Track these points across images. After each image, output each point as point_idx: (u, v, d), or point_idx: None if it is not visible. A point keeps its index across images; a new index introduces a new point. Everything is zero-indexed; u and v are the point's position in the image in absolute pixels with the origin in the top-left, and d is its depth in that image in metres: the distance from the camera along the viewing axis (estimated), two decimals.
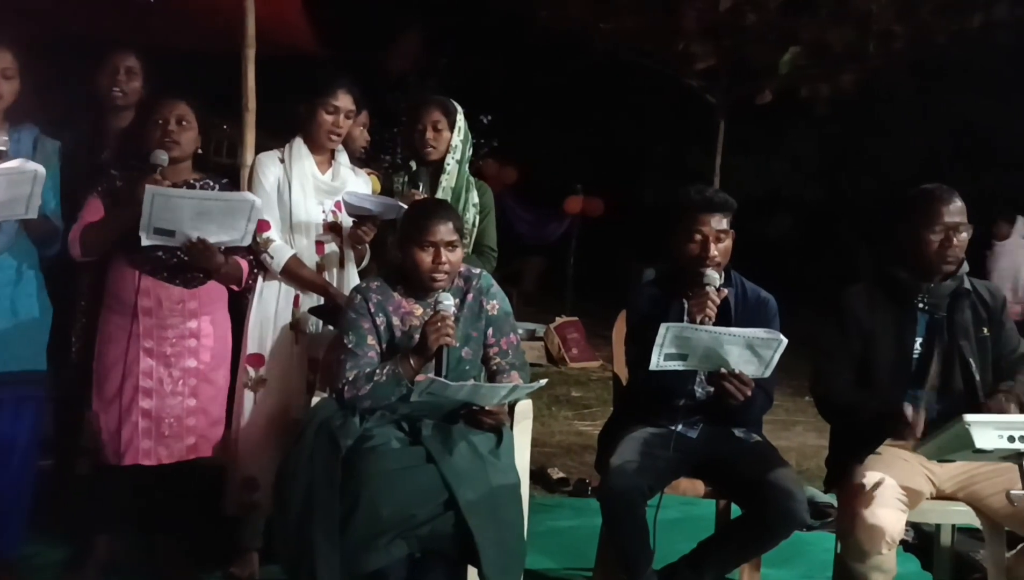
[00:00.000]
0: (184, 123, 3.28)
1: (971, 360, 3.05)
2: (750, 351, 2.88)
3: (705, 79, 9.84)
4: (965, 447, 2.43)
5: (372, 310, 3.07)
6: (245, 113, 4.36)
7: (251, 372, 3.49)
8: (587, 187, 12.24)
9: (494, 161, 11.37)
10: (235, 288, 3.44)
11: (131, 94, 3.75)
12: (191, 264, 3.25)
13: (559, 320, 8.94)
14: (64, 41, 5.30)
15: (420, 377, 2.94)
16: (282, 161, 3.55)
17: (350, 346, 3.03)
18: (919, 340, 3.10)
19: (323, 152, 3.61)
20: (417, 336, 2.99)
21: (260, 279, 3.52)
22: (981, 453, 2.43)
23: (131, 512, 3.37)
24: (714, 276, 3.09)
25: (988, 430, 2.40)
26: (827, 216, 13.88)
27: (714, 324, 3.00)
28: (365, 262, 3.71)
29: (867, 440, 3.03)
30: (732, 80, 9.77)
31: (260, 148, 3.86)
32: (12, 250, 3.22)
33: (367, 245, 3.62)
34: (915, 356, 3.10)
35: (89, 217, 3.26)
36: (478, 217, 3.83)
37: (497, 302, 3.19)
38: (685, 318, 3.09)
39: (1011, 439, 2.39)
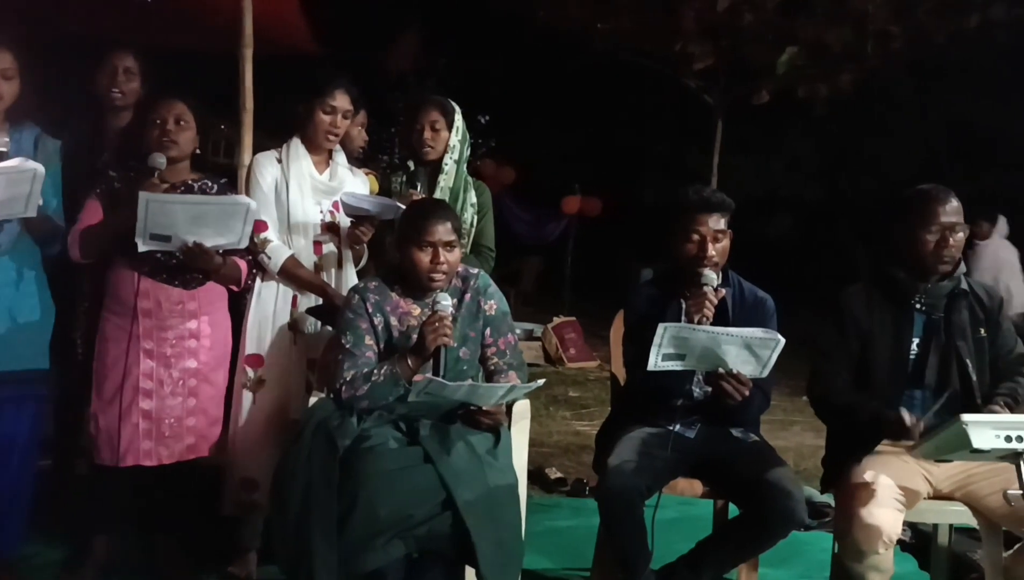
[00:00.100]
0: (182, 123, 3.28)
1: (968, 360, 3.06)
2: (748, 351, 2.89)
3: (703, 79, 9.85)
4: (962, 447, 2.44)
5: (370, 310, 3.07)
6: (243, 113, 4.36)
7: (249, 372, 3.49)
8: (585, 187, 12.25)
9: (492, 161, 11.38)
10: (234, 288, 3.44)
11: (129, 95, 3.74)
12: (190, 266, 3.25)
13: (557, 320, 8.95)
14: (62, 41, 5.30)
15: (418, 377, 2.94)
16: (279, 161, 3.55)
17: (348, 346, 3.03)
18: (916, 340, 3.11)
19: (321, 152, 3.61)
20: (415, 336, 2.99)
21: (258, 279, 3.52)
22: (978, 453, 2.44)
23: (130, 512, 3.36)
24: (712, 276, 3.10)
25: (985, 430, 2.41)
26: (825, 216, 13.89)
27: (712, 324, 3.00)
28: (363, 262, 3.71)
29: (864, 440, 3.04)
30: (730, 80, 9.78)
31: (258, 148, 3.85)
32: (14, 250, 3.22)
33: (365, 245, 3.62)
34: (912, 356, 3.10)
35: (87, 219, 3.26)
36: (476, 217, 3.84)
37: (495, 302, 3.19)
38: (683, 318, 3.09)
39: (1008, 439, 2.39)
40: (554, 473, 4.98)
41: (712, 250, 3.13)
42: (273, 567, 3.09)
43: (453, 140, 3.78)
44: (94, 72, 3.78)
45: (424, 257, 3.02)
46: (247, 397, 3.48)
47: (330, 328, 3.41)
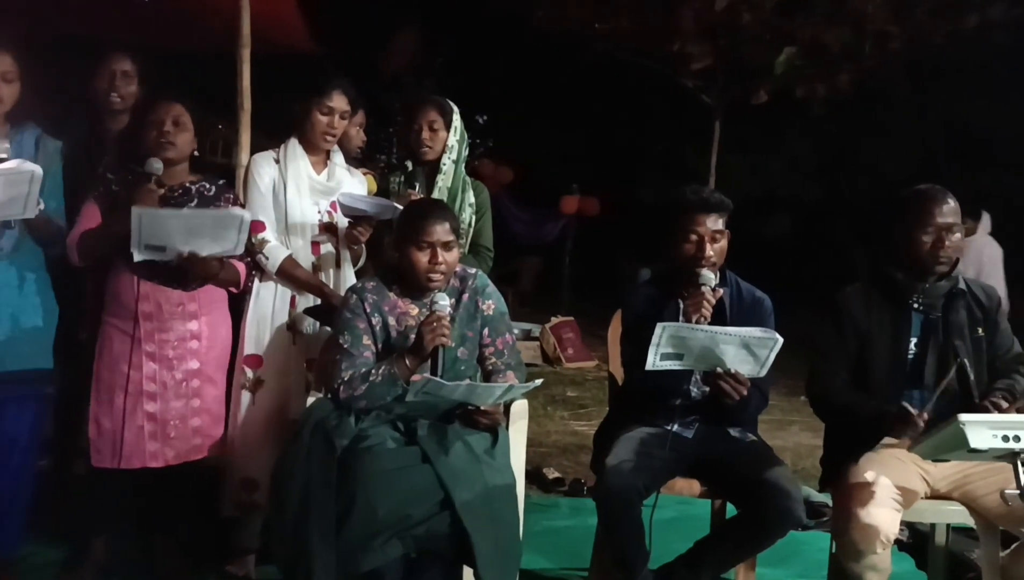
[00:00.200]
0: (180, 125, 3.27)
1: (966, 360, 3.06)
2: (746, 350, 2.89)
3: (701, 79, 9.86)
4: (960, 447, 2.44)
5: (368, 310, 3.07)
6: (240, 113, 4.36)
7: (248, 373, 3.49)
8: (583, 187, 12.24)
9: (490, 161, 11.38)
10: (233, 290, 3.44)
11: (128, 98, 3.74)
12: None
13: (555, 320, 8.94)
14: (59, 41, 5.30)
15: (416, 377, 2.94)
16: (277, 161, 3.55)
17: (346, 346, 3.03)
18: (914, 340, 3.11)
19: (318, 152, 3.61)
20: (413, 336, 2.99)
21: (256, 280, 3.51)
22: (975, 453, 2.44)
23: (128, 512, 3.36)
24: (709, 276, 3.10)
25: (982, 430, 2.41)
26: (823, 216, 13.88)
27: (710, 324, 3.00)
28: (361, 262, 3.71)
29: (863, 439, 3.04)
30: (728, 80, 9.79)
31: (256, 148, 3.85)
32: (17, 252, 3.23)
33: (363, 245, 3.62)
34: (910, 356, 3.10)
35: (86, 223, 3.25)
36: (474, 217, 3.83)
37: (493, 302, 3.19)
38: (681, 318, 3.09)
39: (1005, 439, 2.40)
40: (552, 473, 4.98)
41: (710, 250, 3.14)
42: (271, 567, 3.09)
43: (451, 140, 3.77)
44: (91, 76, 3.77)
45: (422, 257, 3.02)
46: (246, 397, 3.48)
47: (328, 328, 3.41)
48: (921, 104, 12.60)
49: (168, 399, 3.28)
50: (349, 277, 3.60)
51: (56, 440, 3.77)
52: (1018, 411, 2.96)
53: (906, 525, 3.78)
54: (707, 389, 3.09)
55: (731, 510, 3.19)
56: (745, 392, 2.95)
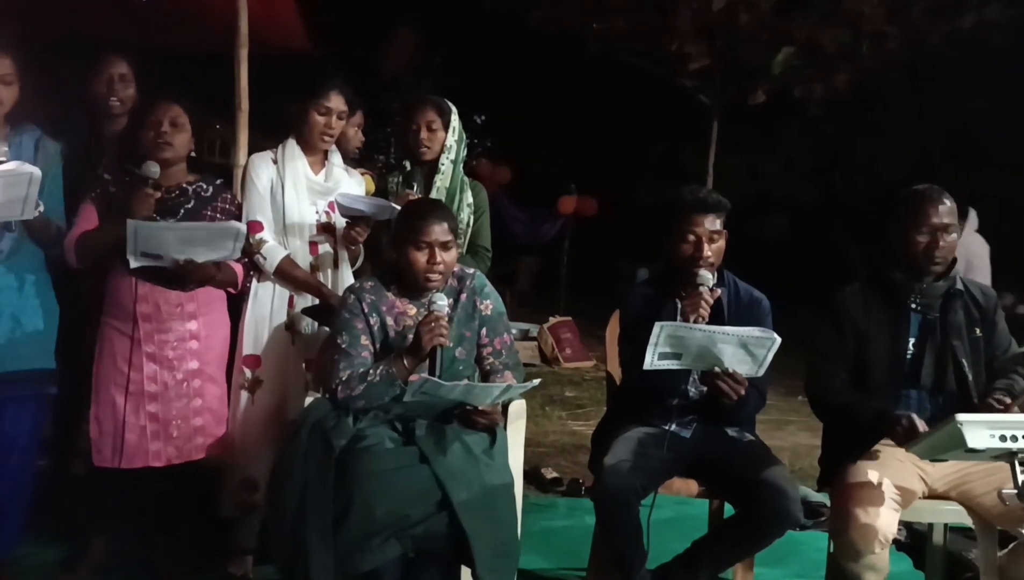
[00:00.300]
0: (177, 125, 3.28)
1: (964, 360, 3.07)
2: (744, 350, 2.89)
3: (699, 79, 9.86)
4: (957, 446, 2.44)
5: (366, 310, 3.07)
6: (238, 113, 4.35)
7: (247, 373, 3.48)
8: (581, 187, 12.25)
9: (488, 161, 11.39)
10: (232, 291, 3.44)
11: (126, 101, 3.74)
12: None
13: (553, 320, 8.95)
14: (57, 42, 5.29)
15: (414, 377, 2.94)
16: (275, 162, 3.55)
17: (343, 346, 3.03)
18: (912, 340, 3.11)
19: (316, 153, 3.61)
20: (411, 336, 2.99)
21: (254, 280, 3.52)
22: (973, 452, 2.44)
23: (128, 512, 3.36)
24: (707, 276, 3.10)
25: (980, 429, 2.41)
26: (821, 216, 13.90)
27: (707, 324, 3.00)
28: (359, 263, 3.71)
29: (862, 439, 3.04)
30: (726, 80, 9.79)
31: (253, 148, 3.85)
32: (17, 253, 3.23)
33: (361, 246, 3.61)
34: (908, 356, 3.11)
35: (83, 225, 3.26)
36: (472, 217, 3.84)
37: (491, 302, 3.19)
38: (678, 318, 3.09)
39: (1003, 438, 2.40)
40: (550, 473, 4.98)
41: (708, 250, 3.14)
42: (269, 567, 3.09)
43: (449, 140, 3.78)
44: (89, 79, 3.77)
45: (420, 257, 3.02)
46: (244, 397, 3.48)
47: (326, 328, 3.41)
48: (918, 104, 12.61)
49: (169, 399, 3.28)
50: (347, 277, 3.60)
51: (55, 440, 3.77)
52: (1021, 409, 2.96)
53: (904, 525, 3.78)
54: (705, 389, 3.09)
55: (729, 510, 3.19)
56: (743, 392, 2.96)
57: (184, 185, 3.34)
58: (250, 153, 3.79)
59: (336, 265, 3.60)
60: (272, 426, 3.43)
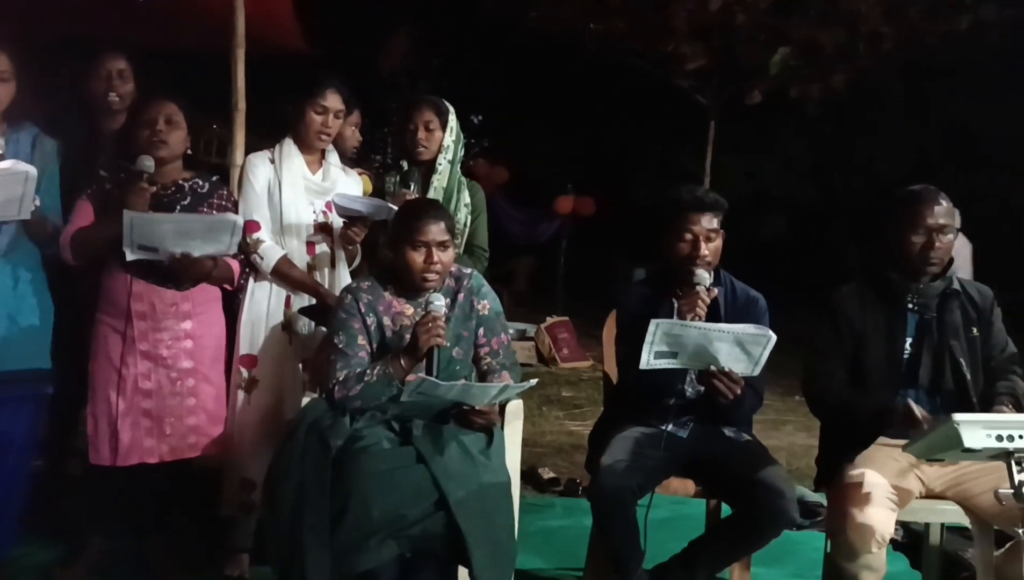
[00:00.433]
0: (172, 123, 3.27)
1: (961, 360, 3.07)
2: (739, 348, 2.89)
3: (696, 79, 9.87)
4: (954, 446, 2.44)
5: (363, 310, 3.07)
6: (235, 113, 4.35)
7: (243, 372, 3.49)
8: (578, 187, 12.24)
9: (485, 161, 11.38)
10: (228, 287, 3.43)
11: (125, 97, 3.74)
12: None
13: (550, 320, 8.94)
14: (53, 41, 5.28)
15: (411, 377, 2.94)
16: (272, 161, 3.55)
17: (340, 346, 3.03)
18: (909, 340, 3.12)
19: (313, 152, 3.61)
20: (408, 336, 2.99)
21: (251, 280, 3.51)
22: (970, 452, 2.44)
23: (123, 512, 3.36)
24: (704, 275, 3.10)
25: (977, 429, 2.41)
26: (818, 216, 13.91)
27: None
28: (356, 262, 3.71)
29: (858, 439, 3.04)
30: (723, 80, 9.79)
31: (251, 148, 3.85)
32: (13, 251, 3.22)
33: (358, 245, 3.61)
34: (905, 356, 3.11)
35: (79, 221, 3.25)
36: (469, 217, 3.84)
37: (488, 302, 3.19)
38: (675, 317, 3.09)
39: (999, 438, 2.40)
40: (547, 473, 4.98)
41: (705, 249, 3.14)
42: (266, 567, 3.08)
43: (447, 140, 3.78)
44: (87, 76, 3.77)
45: (418, 257, 3.02)
46: (241, 397, 3.48)
47: (323, 328, 3.41)
48: (915, 104, 12.62)
49: (164, 397, 3.28)
50: (344, 277, 3.60)
51: (51, 440, 3.76)
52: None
53: (901, 524, 3.78)
54: (702, 389, 3.09)
55: (726, 510, 3.19)
56: (739, 391, 2.96)
57: (180, 182, 3.34)
58: (247, 153, 3.79)
59: (333, 265, 3.60)
60: (268, 426, 3.43)
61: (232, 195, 3.52)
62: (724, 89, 9.83)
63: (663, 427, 3.16)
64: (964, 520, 3.10)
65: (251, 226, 3.43)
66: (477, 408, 2.98)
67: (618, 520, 2.96)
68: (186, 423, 3.31)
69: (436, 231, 3.03)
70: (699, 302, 3.04)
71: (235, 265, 3.38)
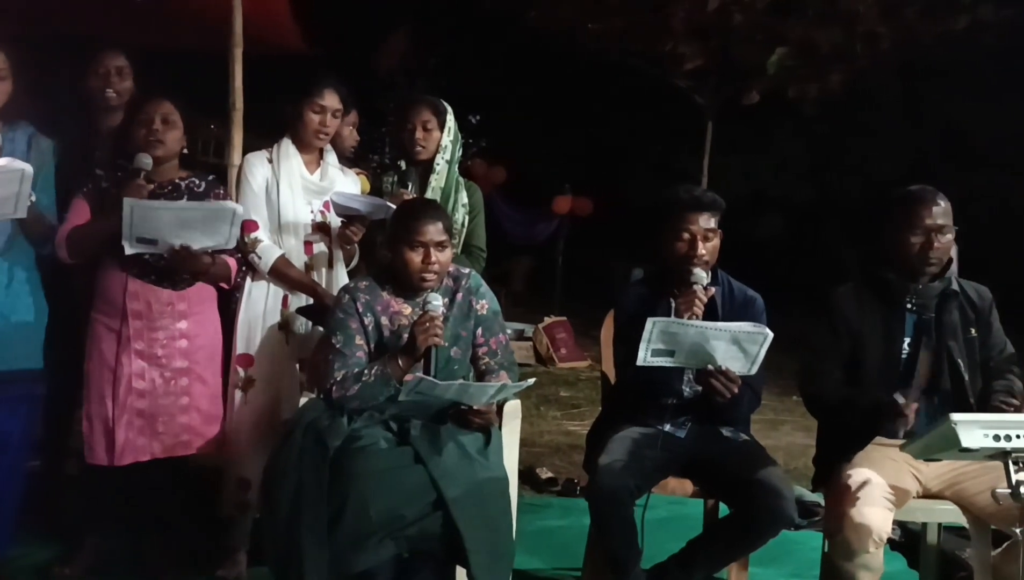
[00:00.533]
0: (169, 122, 3.27)
1: (959, 361, 3.07)
2: (736, 346, 2.89)
3: (693, 79, 9.87)
4: (951, 446, 2.44)
5: (360, 310, 3.06)
6: (232, 112, 4.35)
7: (240, 372, 3.48)
8: (575, 187, 12.24)
9: (483, 161, 11.37)
10: (224, 286, 3.43)
11: (123, 94, 3.73)
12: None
13: (548, 320, 8.95)
14: (51, 40, 5.28)
15: (408, 377, 2.94)
16: (270, 161, 3.55)
17: (338, 346, 3.03)
18: (907, 340, 3.11)
19: (311, 152, 3.61)
20: (406, 336, 2.99)
21: (248, 279, 3.51)
22: (967, 452, 2.45)
23: (119, 513, 3.36)
24: (701, 274, 3.10)
25: (974, 429, 2.41)
26: (815, 216, 13.92)
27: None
28: (354, 262, 3.71)
29: (856, 439, 3.05)
30: (720, 80, 9.80)
31: (248, 148, 3.85)
32: (7, 250, 3.21)
33: (356, 245, 3.61)
34: (903, 356, 3.11)
35: (75, 219, 3.25)
36: (467, 217, 3.83)
37: (486, 302, 3.19)
38: (672, 317, 3.10)
39: (996, 438, 2.40)
40: (545, 473, 4.98)
41: (702, 249, 3.14)
42: (263, 567, 3.08)
43: (445, 140, 3.78)
44: (86, 73, 3.76)
45: (415, 257, 3.02)
46: (240, 397, 3.48)
47: (321, 328, 3.41)
48: (912, 105, 12.64)
49: (157, 396, 3.28)
50: (342, 277, 3.60)
51: (47, 440, 3.76)
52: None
53: (898, 524, 3.78)
54: (700, 389, 3.09)
55: (724, 510, 3.20)
56: (736, 390, 2.96)
57: (176, 181, 3.34)
58: (244, 153, 3.79)
59: (331, 264, 3.60)
60: (264, 425, 3.43)
61: (228, 195, 3.52)
62: (721, 89, 9.84)
63: (661, 427, 3.16)
64: (961, 520, 3.11)
65: (249, 225, 3.43)
66: (475, 408, 2.98)
67: (616, 520, 2.96)
68: (178, 421, 3.30)
69: (434, 231, 3.02)
70: (696, 301, 3.04)
71: (232, 263, 3.38)
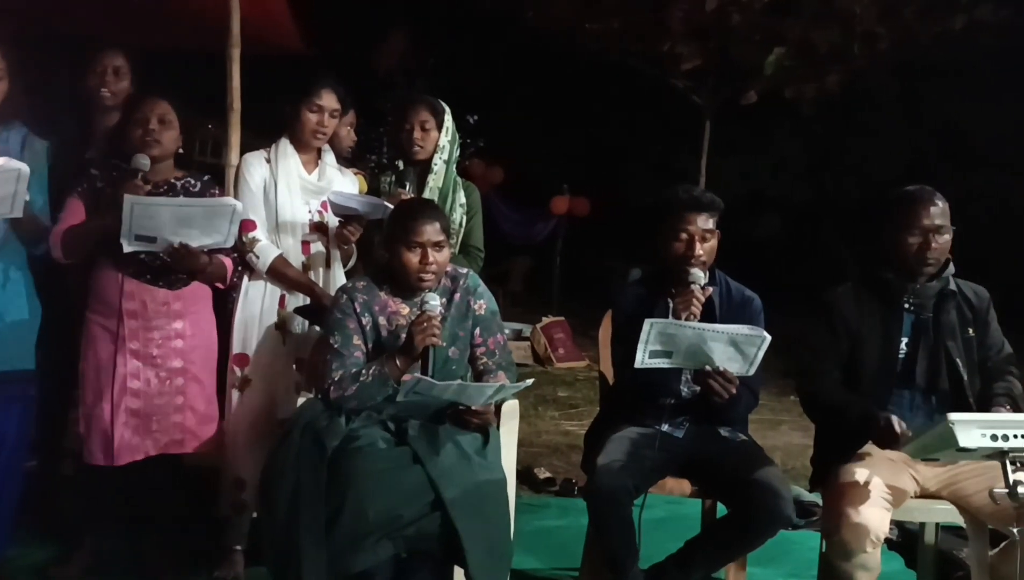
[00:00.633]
0: (165, 122, 3.27)
1: (957, 360, 3.07)
2: (734, 348, 2.89)
3: (691, 80, 9.89)
4: (949, 446, 2.44)
5: (358, 310, 3.06)
6: (230, 112, 4.35)
7: (237, 371, 3.48)
8: (573, 187, 12.26)
9: (481, 161, 11.37)
10: (220, 286, 3.43)
11: (120, 94, 3.73)
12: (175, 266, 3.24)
13: (545, 320, 8.95)
14: (49, 40, 5.27)
15: (406, 377, 2.94)
16: (268, 161, 3.55)
17: (336, 346, 3.02)
18: (905, 340, 3.11)
19: (309, 151, 3.61)
20: (403, 336, 2.99)
21: (245, 279, 3.51)
22: (965, 452, 2.45)
23: (116, 513, 3.35)
24: (699, 275, 3.10)
25: (972, 429, 2.41)
26: (813, 216, 13.94)
27: (698, 322, 3.00)
28: (352, 262, 3.70)
29: (853, 439, 3.05)
30: (718, 81, 9.81)
31: (246, 148, 3.85)
32: (2, 250, 3.20)
33: (353, 245, 3.61)
34: (901, 356, 3.11)
35: (69, 219, 3.24)
36: (465, 217, 3.83)
37: (484, 302, 3.19)
38: (670, 317, 3.09)
39: (994, 438, 2.40)
40: (543, 473, 4.98)
41: (700, 249, 3.14)
42: (261, 568, 3.08)
43: (443, 140, 3.77)
44: (83, 72, 3.76)
45: (413, 257, 3.02)
46: (235, 396, 3.48)
47: (318, 328, 3.41)
48: (910, 105, 12.66)
49: (151, 396, 3.28)
50: (339, 277, 3.59)
51: (43, 440, 3.75)
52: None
53: (896, 524, 3.79)
54: (697, 389, 3.09)
55: (722, 510, 3.19)
56: (734, 390, 2.96)
57: (172, 181, 3.34)
58: (242, 153, 3.79)
59: (328, 264, 3.60)
60: (260, 425, 3.43)
61: (225, 194, 3.52)
62: (719, 89, 9.85)
63: (659, 427, 3.16)
64: (959, 519, 3.10)
65: (247, 225, 3.42)
66: (473, 408, 2.97)
67: (614, 520, 2.96)
68: (172, 420, 3.30)
69: (431, 231, 3.02)
70: (694, 301, 3.04)
71: (228, 263, 3.38)
